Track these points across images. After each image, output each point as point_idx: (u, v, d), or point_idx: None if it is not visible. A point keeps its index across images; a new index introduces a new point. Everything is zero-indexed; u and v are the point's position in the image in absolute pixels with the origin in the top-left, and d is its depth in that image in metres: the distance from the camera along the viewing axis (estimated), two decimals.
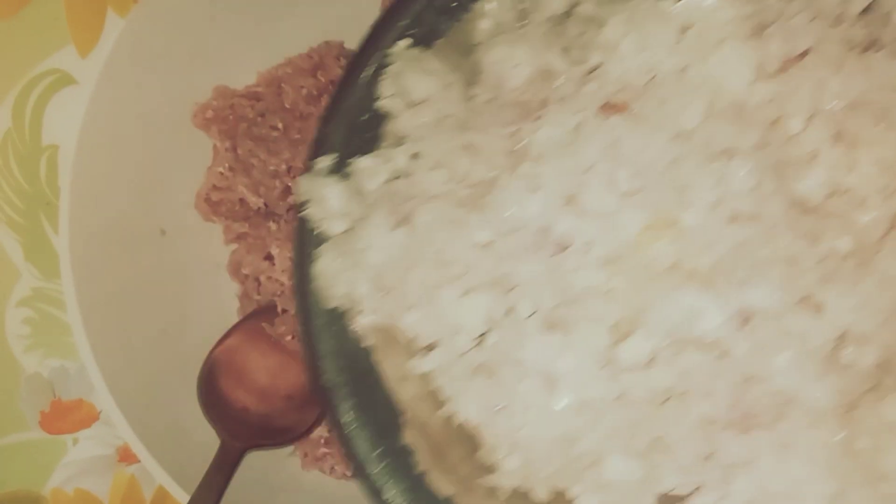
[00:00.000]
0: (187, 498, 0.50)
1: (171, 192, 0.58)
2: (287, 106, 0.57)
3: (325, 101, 0.56)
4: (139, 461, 0.52)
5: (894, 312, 0.37)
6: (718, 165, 0.38)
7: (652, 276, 0.38)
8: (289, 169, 0.55)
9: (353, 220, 0.43)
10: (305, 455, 0.56)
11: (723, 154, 0.39)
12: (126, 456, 0.62)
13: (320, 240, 0.43)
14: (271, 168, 0.55)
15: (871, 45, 0.40)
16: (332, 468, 0.56)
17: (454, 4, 0.45)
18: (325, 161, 0.44)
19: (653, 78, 0.41)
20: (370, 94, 0.44)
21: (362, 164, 0.43)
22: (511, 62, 0.42)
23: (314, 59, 0.58)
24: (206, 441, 0.53)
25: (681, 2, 0.41)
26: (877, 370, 0.37)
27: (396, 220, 0.41)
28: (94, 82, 0.54)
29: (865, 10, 0.41)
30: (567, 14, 0.44)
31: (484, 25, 0.44)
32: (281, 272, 0.56)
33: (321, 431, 0.56)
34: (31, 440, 0.63)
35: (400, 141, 0.43)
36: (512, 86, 0.43)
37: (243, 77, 0.59)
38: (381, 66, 0.44)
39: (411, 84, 0.44)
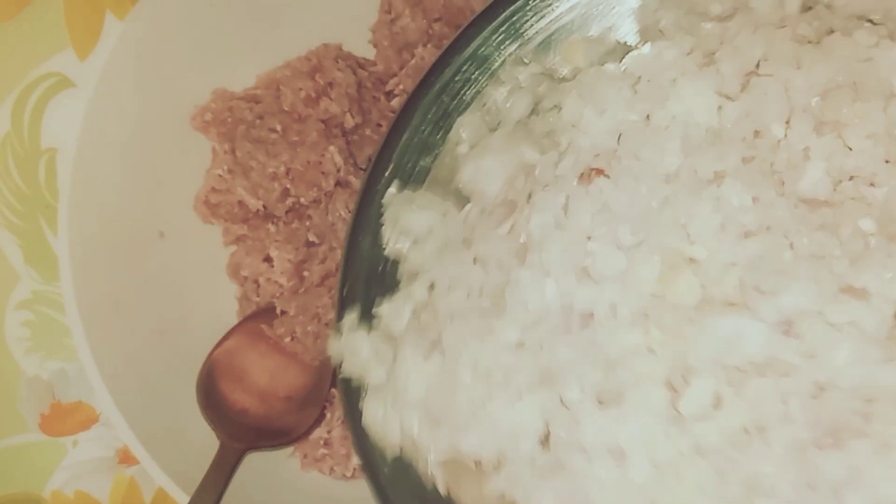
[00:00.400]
0: (187, 499, 0.50)
1: (170, 194, 0.58)
2: (285, 108, 0.57)
3: (323, 103, 0.56)
4: (139, 463, 0.52)
5: None
6: (711, 191, 0.38)
7: (685, 317, 0.37)
8: (287, 171, 0.56)
9: (388, 363, 0.43)
10: (305, 456, 0.56)
11: (712, 180, 0.39)
12: (126, 458, 0.62)
13: (364, 391, 0.44)
14: (270, 170, 0.55)
15: (822, 35, 0.40)
16: (332, 469, 0.56)
17: (432, 138, 0.47)
18: (351, 317, 0.45)
19: (621, 135, 0.41)
20: (377, 244, 0.46)
21: (385, 309, 0.45)
22: (483, 171, 0.44)
23: (312, 62, 0.58)
24: (205, 442, 0.53)
25: (623, 60, 0.43)
26: None
27: (427, 349, 0.42)
28: (93, 85, 0.54)
29: (807, 6, 0.42)
30: (533, 113, 0.45)
31: (462, 149, 0.46)
32: (279, 273, 0.57)
33: (320, 432, 0.56)
34: (31, 442, 0.63)
35: (414, 276, 0.45)
36: (493, 192, 0.44)
37: (242, 80, 0.59)
38: (379, 216, 0.46)
39: (411, 223, 0.45)
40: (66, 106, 0.63)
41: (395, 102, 0.59)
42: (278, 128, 0.57)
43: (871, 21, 0.41)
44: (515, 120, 0.46)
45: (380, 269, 0.46)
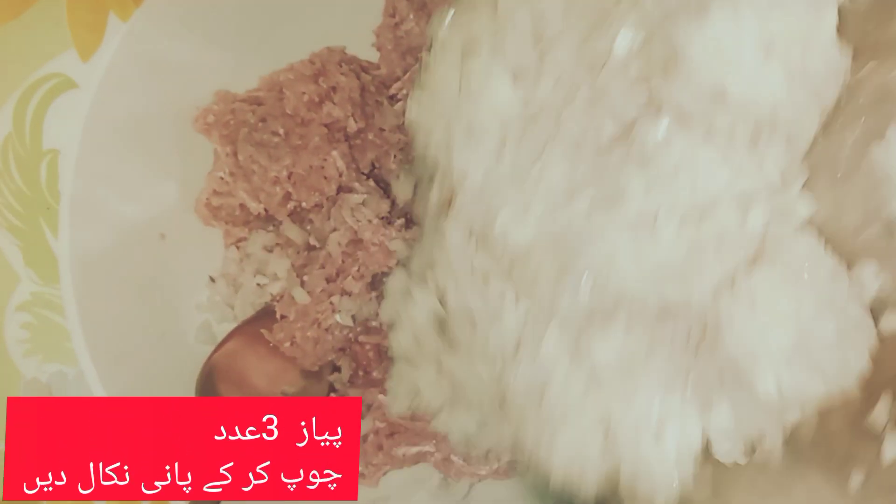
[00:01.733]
0: None
1: (172, 196, 0.58)
2: (288, 112, 0.57)
3: (326, 107, 0.56)
4: None
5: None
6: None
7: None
8: (289, 175, 0.55)
9: None
10: None
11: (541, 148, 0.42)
12: None
13: None
14: (272, 174, 0.55)
15: None
16: None
17: None
18: None
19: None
20: None
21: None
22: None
23: (316, 65, 0.57)
24: None
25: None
26: None
27: None
28: (96, 86, 0.54)
29: None
30: None
31: None
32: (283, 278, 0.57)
33: None
34: None
35: None
36: None
37: (245, 82, 0.59)
38: None
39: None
40: (69, 107, 0.63)
41: (399, 107, 0.59)
42: (281, 131, 0.57)
43: None
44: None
45: None
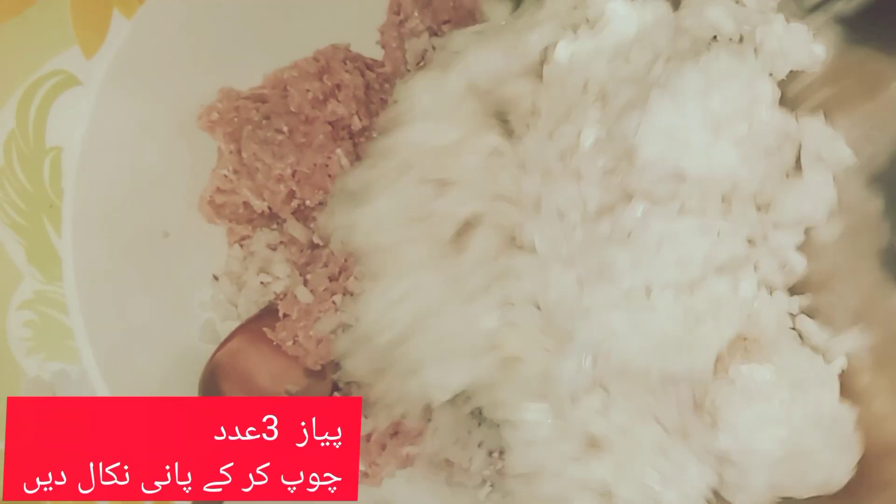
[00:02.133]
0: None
1: (175, 194, 0.58)
2: (292, 109, 0.57)
3: (331, 105, 0.56)
4: None
5: None
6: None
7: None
8: (293, 173, 0.55)
9: None
10: None
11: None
12: None
13: None
14: (276, 172, 0.55)
15: None
16: None
17: None
18: None
19: None
20: None
21: None
22: None
23: (320, 63, 0.57)
24: None
25: None
26: None
27: None
28: (99, 83, 0.54)
29: None
30: None
31: None
32: (283, 276, 0.56)
33: None
34: None
35: None
36: None
37: (249, 79, 0.59)
38: None
39: None
40: (72, 104, 0.62)
41: None
42: (285, 129, 0.56)
43: None
44: None
45: None
